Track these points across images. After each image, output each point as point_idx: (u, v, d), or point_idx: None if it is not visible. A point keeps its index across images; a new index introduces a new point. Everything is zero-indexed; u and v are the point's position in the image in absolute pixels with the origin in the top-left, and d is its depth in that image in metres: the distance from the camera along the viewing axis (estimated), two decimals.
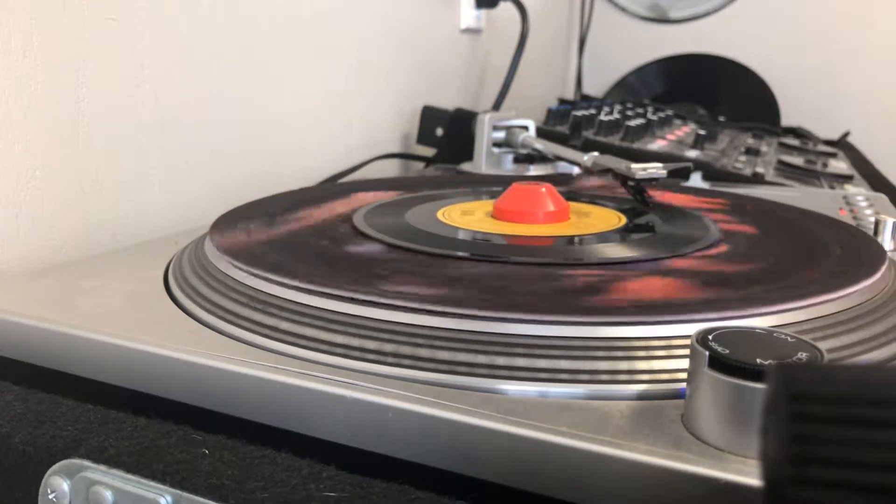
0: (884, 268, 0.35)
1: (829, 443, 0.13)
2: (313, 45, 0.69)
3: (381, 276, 0.33)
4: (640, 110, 1.02)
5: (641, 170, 0.50)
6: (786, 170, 0.82)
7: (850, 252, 0.37)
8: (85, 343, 0.30)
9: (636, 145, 0.79)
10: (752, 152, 0.86)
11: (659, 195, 0.51)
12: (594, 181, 0.56)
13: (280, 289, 0.31)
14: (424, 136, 0.84)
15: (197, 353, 0.28)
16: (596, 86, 1.58)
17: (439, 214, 0.45)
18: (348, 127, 0.76)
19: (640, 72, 1.54)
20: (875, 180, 0.83)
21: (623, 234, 0.41)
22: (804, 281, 0.32)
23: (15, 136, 0.43)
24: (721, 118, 1.26)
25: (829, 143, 1.17)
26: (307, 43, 0.69)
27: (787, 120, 1.38)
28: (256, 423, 0.27)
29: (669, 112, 1.05)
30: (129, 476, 0.26)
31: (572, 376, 0.26)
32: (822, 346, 0.23)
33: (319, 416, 0.26)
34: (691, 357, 0.23)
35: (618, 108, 1.01)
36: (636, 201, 0.50)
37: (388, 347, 0.28)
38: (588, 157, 0.58)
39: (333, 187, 0.54)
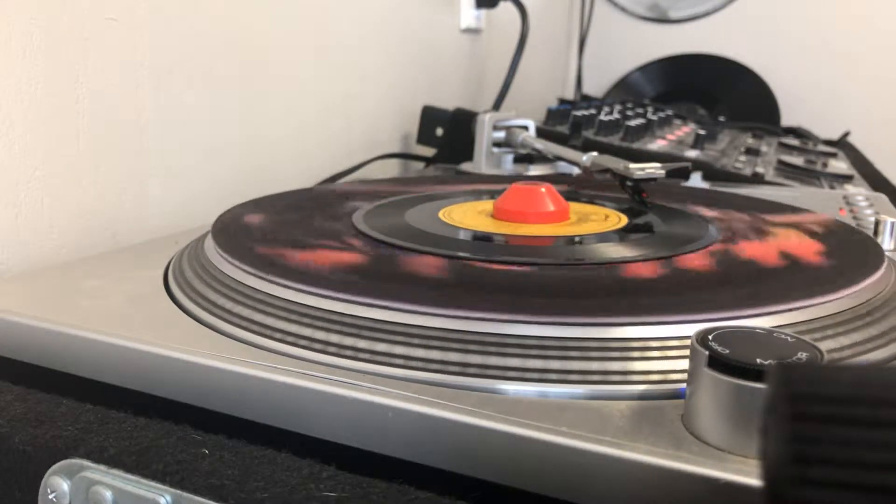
0: (883, 268, 0.35)
1: (829, 443, 0.13)
2: (313, 44, 0.69)
3: (380, 276, 0.33)
4: (640, 110, 1.02)
5: (640, 170, 0.50)
6: (786, 170, 0.82)
7: (850, 252, 0.37)
8: (85, 343, 0.30)
9: (636, 145, 0.79)
10: (752, 152, 0.86)
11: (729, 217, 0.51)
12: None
13: (280, 289, 0.31)
14: (424, 136, 0.84)
15: (197, 353, 0.28)
16: (596, 86, 1.58)
17: (439, 214, 0.45)
18: (348, 127, 0.76)
19: (640, 72, 1.54)
20: (875, 180, 0.83)
21: (623, 234, 0.41)
22: (804, 281, 0.32)
23: (15, 136, 0.43)
24: (721, 118, 1.26)
25: (829, 143, 1.17)
26: (307, 43, 0.69)
27: (787, 120, 1.38)
28: (256, 423, 0.27)
29: (669, 112, 1.05)
30: (129, 476, 0.26)
31: (573, 376, 0.26)
32: (822, 346, 0.23)
33: (319, 416, 0.26)
34: (691, 357, 0.23)
35: (618, 108, 1.01)
36: (635, 201, 0.50)
37: (388, 348, 0.28)
38: (587, 157, 0.58)
39: (333, 187, 0.54)
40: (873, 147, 1.18)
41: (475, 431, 0.24)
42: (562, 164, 0.70)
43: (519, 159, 0.74)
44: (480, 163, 0.73)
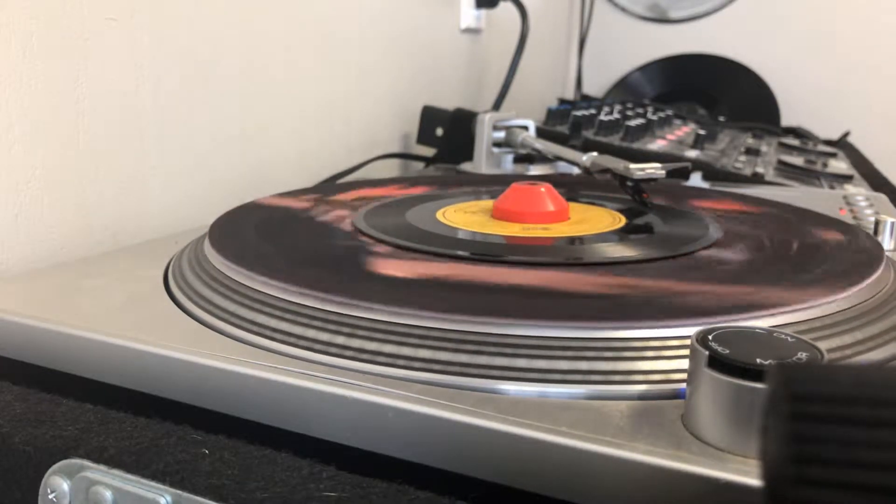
0: (883, 267, 0.35)
1: (829, 443, 0.14)
2: (313, 45, 0.69)
3: (380, 276, 0.33)
4: (640, 110, 1.02)
5: (639, 170, 0.50)
6: (786, 170, 0.82)
7: (850, 252, 0.37)
8: (85, 343, 0.30)
9: (636, 145, 0.79)
10: (752, 152, 0.86)
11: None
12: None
13: (280, 289, 0.31)
14: (424, 136, 0.84)
15: (197, 353, 0.28)
16: (596, 86, 1.58)
17: (439, 214, 0.45)
18: (348, 127, 0.76)
19: (640, 72, 1.54)
20: (875, 180, 0.83)
21: (622, 235, 0.41)
22: (804, 281, 0.32)
23: (15, 136, 0.43)
24: (721, 118, 1.26)
25: (829, 143, 1.17)
26: (307, 43, 0.69)
27: (787, 120, 1.38)
28: (256, 423, 0.27)
29: (669, 112, 1.05)
30: (129, 476, 0.26)
31: (572, 376, 0.26)
32: (822, 346, 0.23)
33: (319, 416, 0.26)
34: (691, 357, 0.23)
35: (618, 108, 1.01)
36: (634, 201, 0.50)
37: (388, 348, 0.28)
38: (587, 157, 0.57)
39: (333, 187, 0.54)
40: (873, 147, 1.18)
41: (475, 431, 0.24)
42: (562, 164, 0.70)
43: (519, 159, 0.74)
44: (480, 163, 0.73)
